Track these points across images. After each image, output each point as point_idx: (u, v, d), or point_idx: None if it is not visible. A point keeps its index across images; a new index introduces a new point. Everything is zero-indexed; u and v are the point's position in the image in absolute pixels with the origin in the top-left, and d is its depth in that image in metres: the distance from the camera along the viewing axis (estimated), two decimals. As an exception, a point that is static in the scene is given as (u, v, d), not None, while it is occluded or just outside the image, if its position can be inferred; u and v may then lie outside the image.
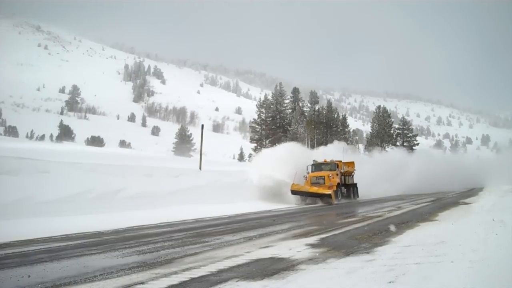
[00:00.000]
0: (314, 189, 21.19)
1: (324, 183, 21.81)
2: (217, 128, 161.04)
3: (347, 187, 24.44)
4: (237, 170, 26.94)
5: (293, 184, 21.43)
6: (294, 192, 21.34)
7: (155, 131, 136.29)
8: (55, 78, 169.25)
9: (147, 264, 6.38)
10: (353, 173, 26.06)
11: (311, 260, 6.23)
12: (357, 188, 25.55)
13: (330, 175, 22.26)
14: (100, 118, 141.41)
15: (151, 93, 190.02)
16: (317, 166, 23.71)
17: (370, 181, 27.34)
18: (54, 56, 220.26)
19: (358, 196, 25.02)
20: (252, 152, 59.18)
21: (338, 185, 22.58)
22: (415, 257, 6.13)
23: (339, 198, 22.12)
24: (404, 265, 5.62)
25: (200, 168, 22.75)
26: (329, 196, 20.79)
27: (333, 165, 23.63)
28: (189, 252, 7.40)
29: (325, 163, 23.90)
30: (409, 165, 33.74)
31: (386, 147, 63.62)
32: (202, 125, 25.58)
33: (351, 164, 26.36)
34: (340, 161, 24.69)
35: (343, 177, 24.39)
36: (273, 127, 58.38)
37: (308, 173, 23.05)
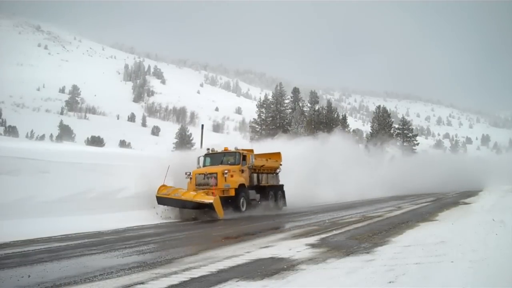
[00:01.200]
0: (189, 196, 13.84)
1: (216, 185, 14.68)
2: (217, 128, 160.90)
3: (263, 191, 17.00)
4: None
5: (160, 187, 14.30)
6: (160, 200, 14.11)
7: (155, 131, 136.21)
8: (55, 78, 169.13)
9: (147, 264, 6.39)
10: (278, 170, 18.96)
11: (311, 260, 6.23)
12: (283, 192, 18.51)
13: (226, 171, 14.92)
14: (100, 118, 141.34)
15: (151, 93, 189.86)
16: (211, 158, 16.56)
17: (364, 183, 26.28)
18: (54, 56, 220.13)
19: (285, 204, 18.24)
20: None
21: (243, 188, 15.49)
22: (415, 257, 6.13)
23: (243, 208, 15.08)
24: (404, 265, 5.63)
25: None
26: (209, 206, 13.56)
27: (236, 157, 16.18)
28: (189, 252, 7.41)
29: (223, 153, 16.65)
30: (409, 168, 33.65)
31: (386, 147, 63.61)
32: (202, 125, 25.48)
33: (275, 156, 19.12)
34: (251, 151, 17.39)
35: (256, 175, 17.07)
36: (273, 127, 58.36)
37: (199, 167, 16.27)
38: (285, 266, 5.86)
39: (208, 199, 13.63)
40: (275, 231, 10.16)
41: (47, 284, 5.29)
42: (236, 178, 15.43)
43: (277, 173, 18.95)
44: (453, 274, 4.97)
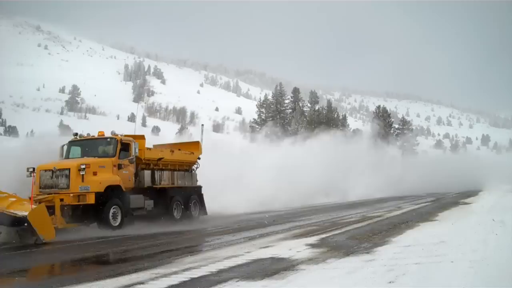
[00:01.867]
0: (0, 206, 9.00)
1: (68, 188, 10.40)
2: (217, 128, 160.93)
3: (163, 195, 12.68)
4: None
5: None
6: None
7: (155, 131, 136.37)
8: (55, 78, 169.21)
9: (147, 264, 6.39)
10: (194, 166, 14.72)
11: (311, 260, 6.23)
12: (200, 196, 14.36)
13: (83, 166, 10.46)
14: (100, 118, 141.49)
15: (151, 93, 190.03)
16: (81, 147, 12.04)
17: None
18: (54, 56, 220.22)
19: (204, 213, 14.18)
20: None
21: (115, 191, 10.99)
22: (415, 257, 6.13)
23: (115, 223, 10.66)
24: (404, 265, 5.63)
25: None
26: (25, 221, 8.69)
27: (112, 145, 11.64)
28: (189, 252, 7.41)
29: (94, 140, 12.10)
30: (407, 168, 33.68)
31: (386, 147, 63.64)
32: (202, 125, 25.44)
33: (190, 146, 15.01)
34: (140, 137, 12.87)
35: (150, 172, 12.62)
36: (273, 127, 58.42)
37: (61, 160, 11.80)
38: (285, 266, 5.86)
39: (24, 210, 8.82)
40: (275, 232, 10.13)
41: (47, 284, 5.29)
42: (103, 176, 10.78)
43: (192, 171, 14.49)
44: (453, 274, 4.97)
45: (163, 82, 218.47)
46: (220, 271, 5.69)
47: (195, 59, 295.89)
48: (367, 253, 6.70)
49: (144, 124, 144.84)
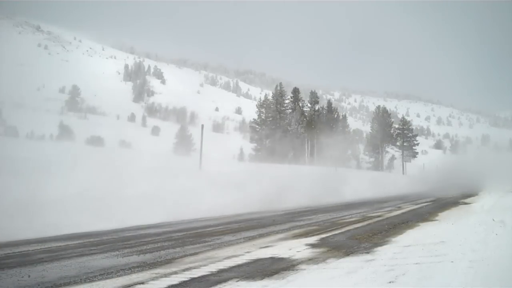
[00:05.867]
0: None
1: None
2: (217, 128, 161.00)
3: None
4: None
5: None
6: None
7: (155, 131, 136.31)
8: (55, 78, 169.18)
9: (147, 264, 6.38)
10: None
11: (311, 260, 6.23)
12: None
13: None
14: (100, 118, 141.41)
15: (151, 93, 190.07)
16: None
17: None
18: (54, 56, 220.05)
19: None
20: (252, 152, 59.56)
21: None
22: (415, 257, 6.13)
23: None
24: (404, 265, 5.63)
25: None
26: None
27: None
28: (189, 252, 7.41)
29: None
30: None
31: (386, 147, 63.81)
32: (202, 125, 25.52)
33: None
34: None
35: None
36: (273, 127, 58.38)
37: None
38: (285, 266, 5.86)
39: None
40: (275, 232, 10.14)
41: (47, 284, 5.29)
42: None
43: None
44: (453, 274, 4.97)
45: (163, 82, 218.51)
46: (220, 271, 5.69)
47: (195, 59, 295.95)
48: (367, 253, 6.70)
49: (144, 124, 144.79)
